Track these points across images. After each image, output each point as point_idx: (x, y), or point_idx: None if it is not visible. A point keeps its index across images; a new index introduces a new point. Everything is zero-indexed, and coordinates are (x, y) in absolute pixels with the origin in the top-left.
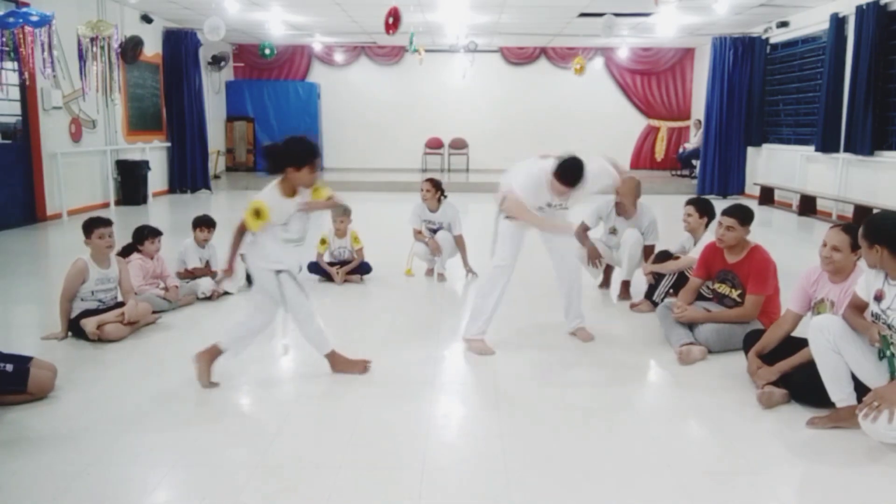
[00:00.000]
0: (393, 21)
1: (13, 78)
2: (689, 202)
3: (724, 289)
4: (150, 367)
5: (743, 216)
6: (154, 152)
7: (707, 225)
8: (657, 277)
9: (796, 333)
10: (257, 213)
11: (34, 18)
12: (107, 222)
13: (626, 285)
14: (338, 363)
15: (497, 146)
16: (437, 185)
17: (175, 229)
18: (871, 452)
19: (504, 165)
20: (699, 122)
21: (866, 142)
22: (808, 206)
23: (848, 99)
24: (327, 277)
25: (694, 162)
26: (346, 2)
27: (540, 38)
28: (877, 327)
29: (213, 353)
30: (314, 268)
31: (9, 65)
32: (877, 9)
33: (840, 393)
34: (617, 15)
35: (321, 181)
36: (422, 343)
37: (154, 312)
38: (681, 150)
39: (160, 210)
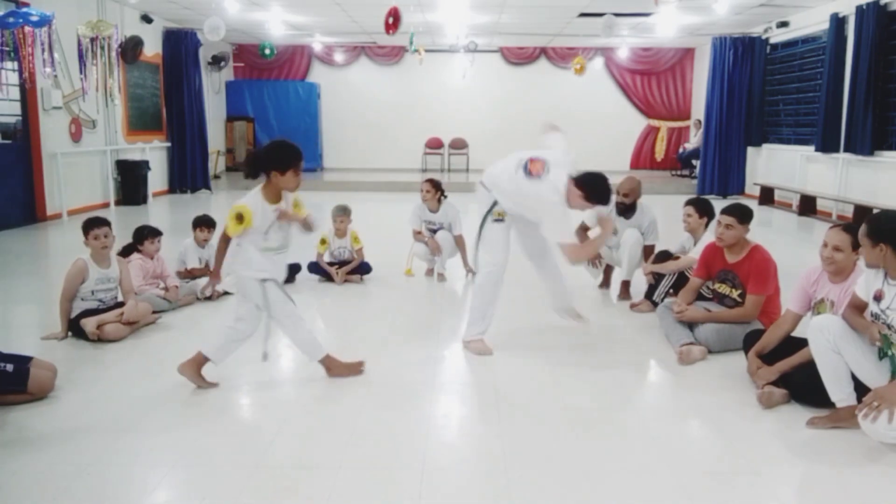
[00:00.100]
0: (393, 21)
1: (13, 78)
2: (689, 202)
3: (724, 289)
4: (150, 367)
5: (741, 214)
6: (154, 152)
7: (707, 225)
8: (657, 277)
9: (796, 333)
10: (240, 218)
11: (34, 18)
12: (103, 222)
13: (626, 285)
14: (333, 368)
15: (497, 146)
16: (436, 186)
17: (175, 229)
18: (871, 452)
19: None
20: (699, 122)
21: (866, 142)
22: (808, 206)
23: (848, 99)
24: (327, 277)
25: (694, 162)
26: (346, 2)
27: (540, 38)
28: (877, 326)
29: (198, 362)
30: (314, 268)
31: (9, 65)
32: (877, 9)
33: (840, 393)
34: (617, 15)
35: (300, 197)
36: (422, 343)
37: (154, 312)
38: (681, 150)
39: (160, 210)
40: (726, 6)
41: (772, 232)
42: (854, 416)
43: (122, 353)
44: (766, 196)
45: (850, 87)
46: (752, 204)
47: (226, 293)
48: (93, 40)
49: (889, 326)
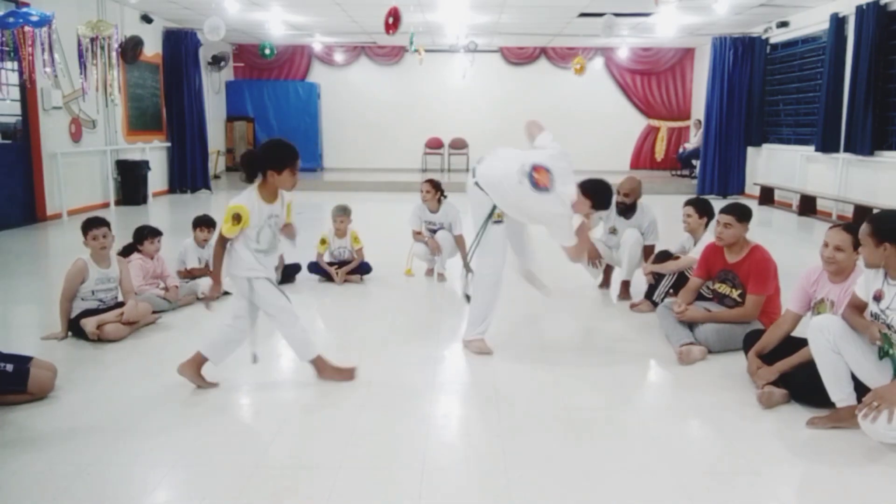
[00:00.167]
0: (393, 21)
1: (13, 78)
2: (689, 202)
3: (724, 289)
4: (150, 367)
5: (740, 213)
6: (154, 152)
7: (707, 225)
8: (657, 277)
9: (796, 333)
10: (237, 218)
11: (34, 18)
12: (101, 223)
13: (625, 285)
14: (324, 370)
15: (497, 146)
16: (436, 186)
17: (175, 229)
18: (871, 452)
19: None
20: (699, 122)
21: (866, 142)
22: (808, 206)
23: (848, 99)
24: (327, 277)
25: (694, 162)
26: (346, 2)
27: (540, 38)
28: (877, 325)
29: (197, 362)
30: (314, 268)
31: (9, 65)
32: (877, 9)
33: (840, 393)
34: (617, 15)
35: (292, 204)
36: (422, 343)
37: (154, 312)
38: (681, 150)
39: (160, 210)
40: (726, 6)
41: (772, 232)
42: (854, 416)
43: (122, 353)
44: (766, 196)
45: (850, 87)
46: (752, 204)
47: (226, 293)
48: (93, 40)
49: (889, 326)
